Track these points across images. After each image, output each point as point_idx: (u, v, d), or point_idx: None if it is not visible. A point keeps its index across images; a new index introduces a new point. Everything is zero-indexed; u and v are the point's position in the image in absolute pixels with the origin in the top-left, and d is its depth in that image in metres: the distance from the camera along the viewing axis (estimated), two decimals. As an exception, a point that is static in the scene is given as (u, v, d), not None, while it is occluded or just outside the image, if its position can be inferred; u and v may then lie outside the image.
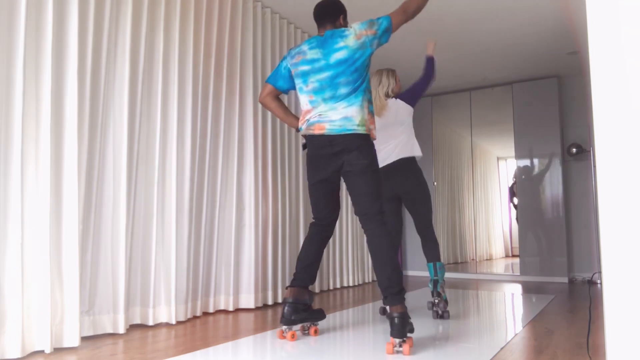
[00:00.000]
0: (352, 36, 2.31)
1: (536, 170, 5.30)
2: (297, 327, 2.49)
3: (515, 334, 2.41)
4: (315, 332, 2.41)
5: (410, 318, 2.13)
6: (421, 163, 5.88)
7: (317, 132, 2.32)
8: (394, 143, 2.99)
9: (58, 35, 2.22)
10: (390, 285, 2.13)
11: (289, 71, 2.48)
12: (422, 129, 5.93)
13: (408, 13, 2.36)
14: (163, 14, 2.77)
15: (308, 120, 2.36)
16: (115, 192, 2.47)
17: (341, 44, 2.31)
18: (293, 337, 2.30)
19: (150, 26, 2.73)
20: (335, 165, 2.32)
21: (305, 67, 2.37)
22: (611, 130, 1.17)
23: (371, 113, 2.36)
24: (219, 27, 3.20)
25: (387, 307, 2.78)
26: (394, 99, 3.06)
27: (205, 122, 3.06)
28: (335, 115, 2.29)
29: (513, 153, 5.42)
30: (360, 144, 2.27)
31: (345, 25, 2.48)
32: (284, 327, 2.35)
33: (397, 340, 2.06)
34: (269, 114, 3.57)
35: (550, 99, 5.23)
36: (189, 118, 2.89)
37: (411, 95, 3.06)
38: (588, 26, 1.22)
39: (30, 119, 2.10)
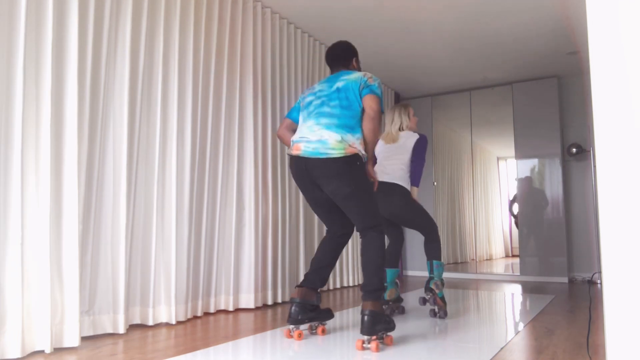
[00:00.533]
0: (359, 74, 2.37)
1: (536, 170, 5.29)
2: (305, 326, 2.52)
3: (515, 334, 2.41)
4: (323, 331, 2.42)
5: (386, 317, 2.16)
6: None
7: (294, 152, 2.34)
8: (398, 166, 3.02)
9: (58, 35, 2.22)
10: (368, 284, 2.17)
11: (299, 104, 2.57)
12: (422, 129, 5.93)
13: (376, 108, 2.32)
14: (163, 14, 2.77)
15: (293, 139, 2.41)
16: (115, 192, 2.47)
17: (345, 77, 2.39)
18: (300, 336, 2.31)
19: (150, 26, 2.74)
20: (317, 188, 2.35)
21: (311, 98, 2.47)
22: (611, 130, 1.17)
23: (359, 144, 2.30)
24: (219, 27, 3.20)
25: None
26: (410, 132, 3.11)
27: (206, 122, 3.06)
28: (312, 136, 2.29)
29: (513, 153, 5.42)
30: (338, 171, 2.22)
31: (359, 67, 2.60)
32: (291, 326, 2.35)
33: (366, 337, 2.10)
34: (269, 114, 3.57)
35: (550, 99, 5.23)
36: (189, 118, 2.89)
37: (415, 156, 3.05)
38: (588, 26, 1.22)
39: (30, 119, 2.10)
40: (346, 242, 2.51)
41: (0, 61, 2.00)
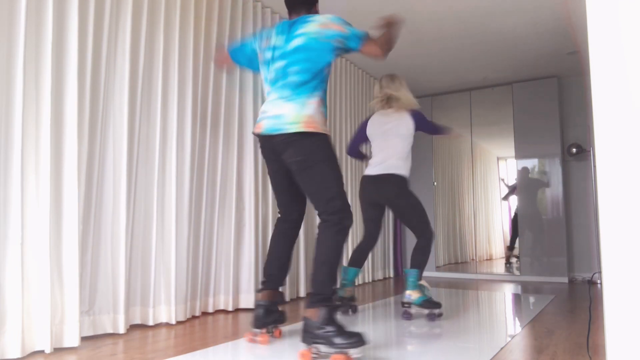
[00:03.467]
0: (316, 24, 2.12)
1: (536, 170, 5.29)
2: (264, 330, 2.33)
3: (515, 334, 2.41)
4: (280, 333, 2.34)
5: (330, 330, 1.90)
6: (421, 163, 5.88)
7: (256, 131, 2.21)
8: (386, 155, 2.99)
9: (58, 35, 2.22)
10: (312, 287, 2.01)
11: (256, 54, 2.35)
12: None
13: (382, 49, 2.15)
14: (163, 14, 2.77)
15: (258, 117, 2.25)
16: (115, 192, 2.47)
17: (300, 30, 2.14)
18: (265, 340, 2.23)
19: (150, 26, 2.73)
20: (278, 162, 2.21)
21: (268, 55, 2.25)
22: (611, 130, 1.17)
23: (322, 113, 2.14)
24: (219, 26, 3.20)
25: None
26: (404, 112, 3.04)
27: (205, 122, 3.06)
28: (272, 111, 2.13)
29: (513, 153, 5.42)
30: (292, 140, 2.06)
31: (317, 11, 2.32)
32: (256, 330, 2.26)
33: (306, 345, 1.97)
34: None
35: (550, 99, 5.23)
36: (189, 118, 2.89)
37: (422, 123, 3.04)
38: (588, 26, 1.22)
39: (30, 119, 2.10)
40: (297, 233, 2.36)
41: (0, 61, 2.00)
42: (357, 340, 1.87)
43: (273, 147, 2.15)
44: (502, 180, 5.60)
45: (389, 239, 5.48)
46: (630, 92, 1.16)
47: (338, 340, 1.87)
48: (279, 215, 2.38)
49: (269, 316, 2.25)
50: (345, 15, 3.80)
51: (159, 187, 2.71)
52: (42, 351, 2.08)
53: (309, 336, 1.94)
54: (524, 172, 5.35)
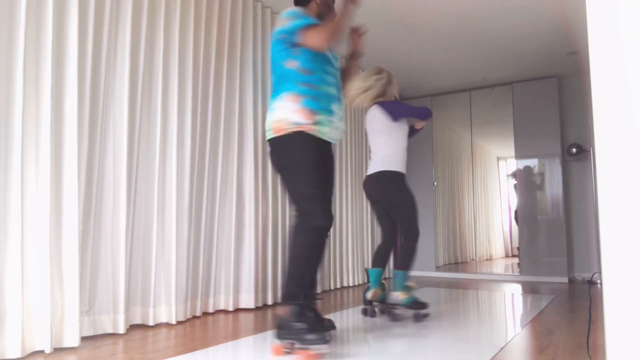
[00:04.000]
0: (281, 21, 2.13)
1: (536, 170, 5.29)
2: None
3: (515, 334, 2.41)
4: None
5: (295, 326, 1.95)
6: (421, 163, 5.88)
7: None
8: (374, 153, 2.99)
9: (58, 35, 2.22)
10: (286, 285, 2.04)
11: None
12: (422, 129, 5.93)
13: (323, 38, 2.01)
14: (163, 14, 2.77)
15: None
16: (115, 192, 2.47)
17: (275, 30, 2.16)
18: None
19: (150, 26, 2.73)
20: None
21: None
22: (611, 130, 1.17)
23: (298, 108, 2.05)
24: (219, 27, 3.20)
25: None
26: (375, 105, 3.01)
27: (205, 122, 3.06)
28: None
29: (513, 153, 5.42)
30: (271, 146, 2.12)
31: (320, 5, 2.24)
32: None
33: (282, 342, 1.99)
34: (269, 114, 3.57)
35: (550, 99, 5.23)
36: (189, 118, 2.89)
37: (390, 109, 2.90)
38: (588, 26, 1.22)
39: (30, 119, 2.10)
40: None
41: (0, 61, 2.00)
42: (327, 337, 1.91)
43: None
44: (512, 177, 5.58)
45: (389, 239, 5.47)
46: (630, 92, 1.16)
47: (308, 336, 1.91)
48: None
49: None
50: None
51: (159, 186, 2.71)
52: (42, 351, 2.08)
53: (282, 332, 1.99)
54: (524, 172, 5.35)
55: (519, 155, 5.38)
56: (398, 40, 4.29)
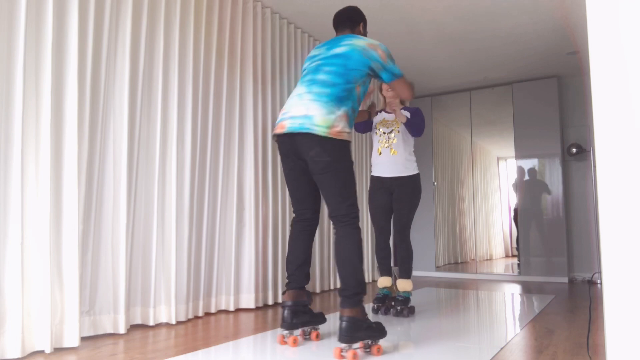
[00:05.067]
0: (365, 42, 2.22)
1: (536, 170, 5.29)
2: (298, 332, 2.38)
3: (515, 334, 2.41)
4: (317, 336, 2.31)
5: (371, 323, 2.04)
6: (421, 163, 5.88)
7: (278, 131, 2.22)
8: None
9: (58, 35, 2.22)
10: (345, 288, 2.04)
11: None
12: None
13: (408, 90, 2.39)
14: (163, 14, 2.77)
15: (277, 119, 2.28)
16: (115, 192, 2.47)
17: (347, 41, 2.24)
18: (295, 342, 2.18)
19: (150, 26, 2.73)
20: (299, 160, 2.23)
21: (307, 63, 2.35)
22: (611, 130, 1.17)
23: (347, 126, 2.17)
24: (219, 27, 3.20)
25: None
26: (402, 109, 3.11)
27: (206, 122, 3.06)
28: (299, 110, 2.15)
29: (513, 153, 5.42)
30: (319, 142, 2.09)
31: (365, 34, 2.46)
32: (285, 331, 2.25)
33: (343, 345, 1.98)
34: (269, 113, 3.57)
35: (550, 99, 5.23)
36: (189, 118, 2.89)
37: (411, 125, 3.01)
38: (588, 26, 1.22)
39: (30, 119, 2.10)
40: (314, 231, 2.39)
41: (0, 61, 2.00)
42: (384, 329, 2.10)
43: (296, 145, 2.16)
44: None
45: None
46: (630, 92, 1.16)
47: (378, 332, 2.07)
48: (294, 216, 2.40)
49: (297, 317, 2.23)
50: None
51: (159, 187, 2.71)
52: (42, 351, 2.08)
53: (356, 334, 1.98)
54: (527, 172, 5.35)
55: (519, 155, 5.38)
56: (398, 40, 4.29)
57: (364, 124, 3.12)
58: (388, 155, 3.05)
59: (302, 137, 2.12)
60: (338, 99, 2.15)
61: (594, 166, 4.97)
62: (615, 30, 1.19)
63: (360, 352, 2.06)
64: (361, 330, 1.99)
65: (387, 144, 3.06)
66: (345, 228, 2.11)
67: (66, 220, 2.19)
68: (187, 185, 2.84)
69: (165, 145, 2.78)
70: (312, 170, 2.16)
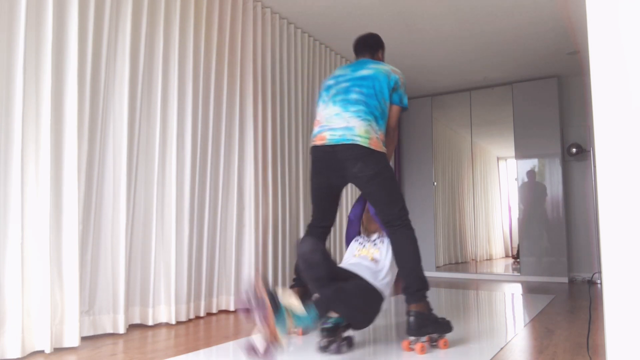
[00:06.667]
0: (388, 67, 2.37)
1: (536, 170, 5.29)
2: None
3: (515, 334, 2.41)
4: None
5: (438, 318, 2.14)
6: (421, 163, 5.88)
7: (318, 142, 2.30)
8: None
9: (58, 35, 2.22)
10: (408, 286, 2.14)
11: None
12: (422, 129, 5.93)
13: (396, 127, 2.44)
14: (163, 14, 2.77)
15: (314, 131, 2.37)
16: (115, 192, 2.47)
17: (372, 65, 2.37)
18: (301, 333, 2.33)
19: (150, 26, 2.73)
20: (335, 175, 2.30)
21: (331, 82, 2.43)
22: (611, 130, 1.17)
23: (382, 139, 2.28)
24: (219, 27, 3.20)
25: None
26: None
27: (206, 122, 3.06)
28: (337, 123, 2.24)
29: (513, 153, 5.42)
30: (363, 153, 2.18)
31: (382, 58, 2.61)
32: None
33: (412, 338, 2.10)
34: (269, 113, 3.57)
35: (550, 99, 5.23)
36: (189, 118, 2.89)
37: None
38: (588, 26, 1.22)
39: (30, 119, 2.10)
40: (326, 236, 2.51)
41: (0, 61, 2.00)
42: (450, 325, 2.19)
43: (335, 157, 2.23)
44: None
45: (389, 239, 5.47)
46: (630, 92, 1.16)
47: (444, 326, 2.16)
48: (311, 221, 2.52)
49: None
50: (345, 14, 3.80)
51: (159, 187, 2.71)
52: (42, 351, 2.08)
53: (423, 328, 2.09)
54: (527, 173, 5.35)
55: (519, 155, 5.38)
56: (398, 40, 4.29)
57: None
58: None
59: (344, 149, 2.20)
60: (374, 117, 2.26)
61: (594, 166, 4.97)
62: (615, 30, 1.19)
63: (427, 345, 2.12)
64: (429, 325, 2.10)
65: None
66: (401, 230, 2.20)
67: (66, 220, 2.19)
68: (187, 185, 2.84)
69: (165, 145, 2.78)
70: (357, 185, 2.26)
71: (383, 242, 2.34)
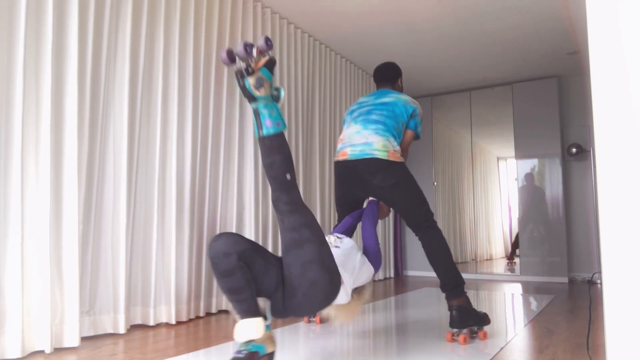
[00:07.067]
0: (408, 98, 2.56)
1: (536, 170, 5.29)
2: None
3: (515, 334, 2.41)
4: (319, 320, 2.66)
5: (476, 312, 2.28)
6: (421, 163, 5.88)
7: (340, 158, 2.47)
8: None
9: (58, 35, 2.22)
10: (445, 283, 2.29)
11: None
12: (422, 129, 5.92)
13: (407, 149, 2.60)
14: (163, 14, 2.77)
15: (338, 148, 2.55)
16: (115, 192, 2.47)
17: (393, 95, 2.56)
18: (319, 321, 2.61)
19: (150, 26, 2.73)
20: (358, 187, 2.45)
21: (354, 107, 2.63)
22: (611, 130, 1.17)
23: (399, 152, 2.43)
24: (219, 27, 3.20)
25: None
26: None
27: (206, 123, 3.06)
28: (358, 140, 2.42)
29: (513, 153, 5.42)
30: (383, 165, 2.34)
31: (402, 86, 2.81)
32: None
33: (455, 330, 2.25)
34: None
35: (550, 99, 5.23)
36: (189, 118, 2.89)
37: None
38: (588, 26, 1.22)
39: (30, 119, 2.10)
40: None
41: (0, 61, 2.00)
42: (488, 318, 2.34)
43: (356, 171, 2.39)
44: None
45: (389, 238, 5.48)
46: (630, 92, 1.16)
47: (483, 319, 2.30)
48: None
49: None
50: (345, 14, 3.80)
51: (160, 187, 2.71)
52: (42, 351, 2.08)
53: (465, 320, 2.24)
54: (526, 176, 5.35)
55: (519, 155, 5.38)
56: (398, 40, 4.29)
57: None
58: None
59: (363, 163, 2.36)
60: (392, 134, 2.43)
61: (594, 166, 4.97)
62: (615, 30, 1.19)
63: (467, 336, 2.24)
64: (470, 318, 2.25)
65: None
66: (429, 231, 2.35)
67: (66, 220, 2.19)
68: (187, 185, 2.84)
69: (166, 146, 2.78)
70: (380, 196, 2.41)
71: (351, 240, 2.19)
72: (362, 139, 2.41)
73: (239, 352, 1.52)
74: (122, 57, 2.53)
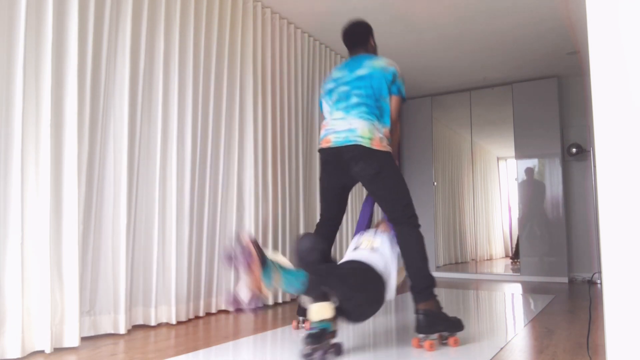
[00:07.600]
0: (383, 62, 2.40)
1: (536, 170, 5.29)
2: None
3: (515, 334, 2.41)
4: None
5: (448, 317, 2.16)
6: (421, 163, 5.88)
7: (324, 145, 2.40)
8: None
9: (58, 35, 2.22)
10: (414, 285, 2.16)
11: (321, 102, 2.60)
12: (422, 129, 5.93)
13: (398, 114, 2.45)
14: (163, 14, 2.77)
15: (321, 135, 2.47)
16: (115, 192, 2.47)
17: (368, 63, 2.41)
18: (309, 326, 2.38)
19: (150, 26, 2.73)
20: (343, 174, 2.39)
21: (331, 85, 2.51)
22: (611, 130, 1.17)
23: (387, 139, 2.35)
24: (219, 27, 3.20)
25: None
26: None
27: (206, 123, 3.06)
28: (341, 126, 2.33)
29: (513, 153, 5.42)
30: (365, 153, 2.25)
31: (374, 44, 2.62)
32: (300, 317, 2.52)
33: (421, 336, 2.12)
34: (269, 113, 3.57)
35: (550, 99, 5.23)
36: (190, 118, 2.89)
37: None
38: (588, 26, 1.22)
39: (30, 119, 2.10)
40: (335, 231, 2.59)
41: (1, 61, 2.00)
42: (461, 323, 2.20)
43: (341, 158, 2.31)
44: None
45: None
46: (630, 92, 1.16)
47: (455, 324, 2.17)
48: (320, 220, 2.61)
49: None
50: (345, 14, 3.80)
51: (160, 187, 2.71)
52: (42, 351, 2.08)
53: (433, 325, 2.11)
54: (526, 173, 5.35)
55: (519, 155, 5.38)
56: (398, 40, 4.29)
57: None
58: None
59: (347, 150, 2.28)
60: (375, 116, 2.33)
61: (594, 166, 4.97)
62: (615, 30, 1.19)
63: (436, 342, 2.15)
64: (439, 323, 2.13)
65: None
66: (403, 227, 2.23)
67: (66, 221, 2.19)
68: (187, 185, 2.84)
69: (166, 146, 2.78)
70: (362, 183, 2.32)
71: (384, 234, 2.36)
72: (346, 125, 2.31)
73: (312, 328, 1.93)
74: (122, 57, 2.53)
